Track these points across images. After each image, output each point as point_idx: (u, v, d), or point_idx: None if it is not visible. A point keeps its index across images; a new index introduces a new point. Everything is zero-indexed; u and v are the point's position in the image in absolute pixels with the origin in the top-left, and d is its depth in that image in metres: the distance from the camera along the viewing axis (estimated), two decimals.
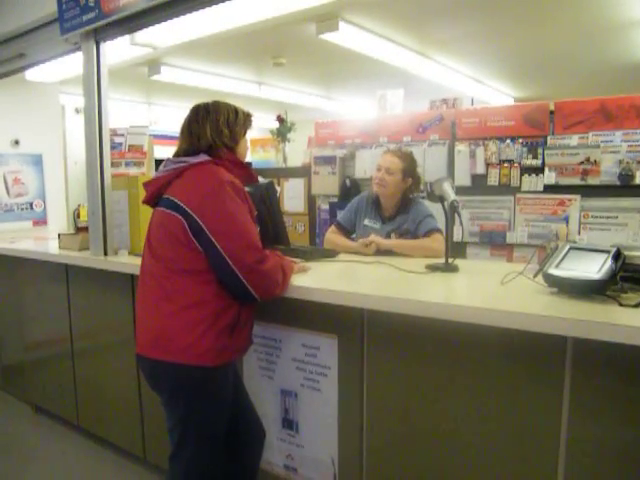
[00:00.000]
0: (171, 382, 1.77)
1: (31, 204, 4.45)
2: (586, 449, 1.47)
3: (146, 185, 1.89)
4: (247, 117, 1.92)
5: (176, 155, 1.86)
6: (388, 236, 2.70)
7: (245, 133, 1.93)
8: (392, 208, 2.79)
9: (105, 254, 2.80)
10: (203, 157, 1.78)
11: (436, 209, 2.43)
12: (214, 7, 2.43)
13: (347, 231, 2.89)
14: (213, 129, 1.81)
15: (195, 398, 1.77)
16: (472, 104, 4.91)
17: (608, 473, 1.45)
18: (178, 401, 1.79)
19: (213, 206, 1.68)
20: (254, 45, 4.75)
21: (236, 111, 1.88)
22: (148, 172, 3.03)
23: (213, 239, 1.66)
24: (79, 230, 3.12)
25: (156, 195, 1.84)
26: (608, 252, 1.55)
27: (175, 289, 1.72)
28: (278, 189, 4.44)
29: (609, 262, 1.51)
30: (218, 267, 1.69)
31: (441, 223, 2.51)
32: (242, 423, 2.02)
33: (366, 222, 2.83)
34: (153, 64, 5.21)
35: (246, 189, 1.82)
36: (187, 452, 1.81)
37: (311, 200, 4.63)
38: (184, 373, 1.72)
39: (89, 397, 3.09)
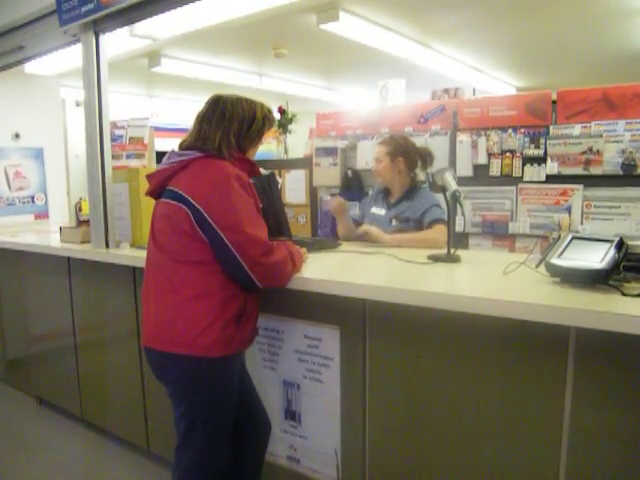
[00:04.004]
0: (178, 373, 1.77)
1: (32, 198, 4.46)
2: (589, 437, 1.48)
3: (150, 177, 1.88)
4: (264, 124, 1.87)
5: (182, 144, 1.86)
6: (390, 222, 2.73)
7: (258, 141, 1.90)
8: (398, 194, 2.81)
9: (107, 247, 2.80)
10: (208, 151, 1.78)
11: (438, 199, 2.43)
12: None
13: (357, 223, 2.94)
14: (223, 138, 1.78)
15: (202, 389, 1.77)
16: (474, 94, 4.90)
17: (611, 461, 1.45)
18: (185, 392, 1.80)
19: (219, 199, 1.68)
20: (254, 36, 4.74)
21: (253, 119, 1.83)
22: (149, 164, 3.03)
23: (219, 232, 1.66)
24: (81, 223, 3.12)
25: (160, 187, 1.84)
26: (611, 241, 1.54)
27: (181, 280, 1.72)
28: (279, 180, 4.44)
29: (612, 251, 1.51)
30: (224, 259, 1.69)
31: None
32: (248, 414, 2.02)
33: (373, 210, 2.87)
34: (153, 56, 5.20)
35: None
36: (193, 443, 1.82)
37: (313, 191, 4.63)
38: (191, 364, 1.72)
39: (92, 389, 3.10)
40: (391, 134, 2.98)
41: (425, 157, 2.79)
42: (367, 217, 2.89)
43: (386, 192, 2.88)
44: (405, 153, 2.76)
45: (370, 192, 3.04)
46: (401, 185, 2.79)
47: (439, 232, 2.53)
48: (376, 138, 4.24)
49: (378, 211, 2.84)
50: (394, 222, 2.72)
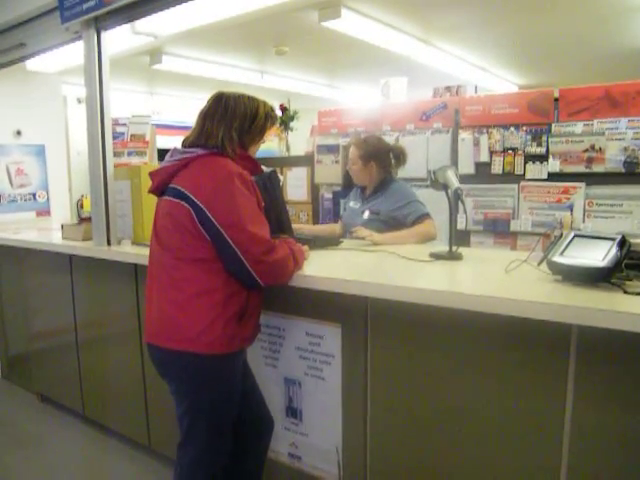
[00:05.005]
0: (181, 370, 1.78)
1: (34, 195, 4.46)
2: (590, 436, 1.47)
3: (152, 174, 1.88)
4: (266, 120, 1.88)
5: (185, 141, 1.86)
6: (362, 213, 2.83)
7: (260, 138, 1.91)
8: (371, 189, 2.91)
9: (108, 244, 2.80)
10: (211, 149, 1.78)
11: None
12: None
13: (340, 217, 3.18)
14: (225, 133, 1.78)
15: (204, 386, 1.78)
16: (476, 92, 4.87)
17: (612, 460, 1.45)
18: (188, 389, 1.80)
19: (221, 198, 1.68)
20: (256, 33, 4.72)
21: (255, 116, 1.84)
22: (150, 162, 3.03)
23: (222, 230, 1.66)
24: (82, 220, 3.12)
25: (162, 184, 1.84)
26: (613, 239, 1.54)
27: (183, 278, 1.72)
28: (281, 178, 4.43)
29: (614, 249, 1.50)
30: (226, 257, 1.69)
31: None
32: (250, 411, 2.03)
33: (351, 204, 3.01)
34: (155, 53, 5.18)
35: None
36: (196, 440, 1.82)
37: (314, 189, 4.62)
38: (194, 361, 1.73)
39: (94, 386, 3.11)
40: (365, 135, 3.03)
41: (399, 156, 2.86)
42: (347, 210, 3.05)
43: (363, 187, 2.98)
44: (377, 157, 2.83)
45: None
46: (373, 182, 2.88)
47: (430, 226, 2.67)
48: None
49: (354, 204, 2.98)
50: (366, 214, 2.80)
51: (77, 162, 5.85)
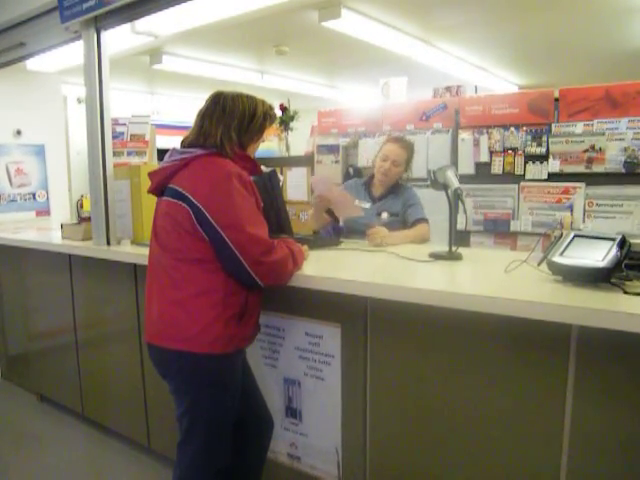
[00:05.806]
0: (180, 370, 1.78)
1: (34, 194, 4.46)
2: (590, 436, 1.47)
3: (152, 175, 1.88)
4: (264, 119, 1.88)
5: (183, 142, 1.85)
6: (379, 215, 2.82)
7: (259, 137, 1.91)
8: (383, 190, 2.89)
9: (108, 244, 2.80)
10: (210, 149, 1.78)
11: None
12: None
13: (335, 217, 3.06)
14: (224, 133, 1.78)
15: (204, 386, 1.78)
16: (476, 92, 4.87)
17: (612, 461, 1.45)
18: (187, 389, 1.80)
19: (220, 198, 1.68)
20: (256, 33, 4.72)
21: (254, 115, 1.84)
22: (150, 161, 3.03)
23: (220, 230, 1.66)
24: (82, 220, 3.12)
25: (161, 185, 1.84)
26: (613, 240, 1.53)
27: (183, 278, 1.72)
28: (281, 178, 4.43)
29: (614, 250, 1.50)
30: (225, 257, 1.69)
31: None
32: (250, 411, 2.03)
33: (356, 203, 2.92)
34: (155, 53, 5.18)
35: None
36: (196, 440, 1.82)
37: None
38: (193, 361, 1.73)
39: (93, 386, 3.11)
40: (408, 139, 2.99)
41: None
42: None
43: (367, 185, 2.95)
44: (411, 162, 2.89)
45: (348, 185, 3.13)
46: (389, 184, 2.87)
47: (426, 229, 2.75)
48: (378, 135, 4.24)
49: (362, 204, 2.90)
50: (384, 215, 2.80)
51: (77, 162, 5.85)
